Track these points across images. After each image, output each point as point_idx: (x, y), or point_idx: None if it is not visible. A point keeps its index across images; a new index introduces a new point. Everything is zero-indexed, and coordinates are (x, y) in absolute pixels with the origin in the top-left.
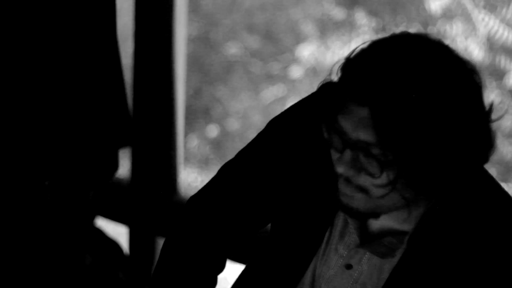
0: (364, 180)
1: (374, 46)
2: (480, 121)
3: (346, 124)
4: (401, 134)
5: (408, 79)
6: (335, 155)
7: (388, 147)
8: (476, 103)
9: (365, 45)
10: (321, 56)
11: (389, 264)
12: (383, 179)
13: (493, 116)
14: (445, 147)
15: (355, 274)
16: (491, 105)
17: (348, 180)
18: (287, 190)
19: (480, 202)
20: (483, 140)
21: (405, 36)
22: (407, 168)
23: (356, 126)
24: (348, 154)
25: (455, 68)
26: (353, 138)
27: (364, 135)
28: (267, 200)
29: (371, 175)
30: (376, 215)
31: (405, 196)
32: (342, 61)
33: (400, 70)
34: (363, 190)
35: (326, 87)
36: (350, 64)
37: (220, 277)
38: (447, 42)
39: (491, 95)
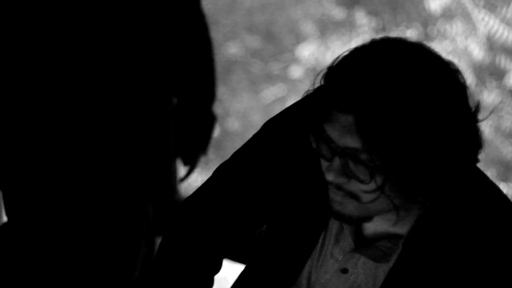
0: (354, 186)
1: (355, 53)
2: (466, 122)
3: (333, 132)
4: (387, 138)
5: (390, 84)
6: (324, 164)
7: (375, 152)
8: (461, 104)
9: (346, 53)
10: (321, 56)
11: (384, 268)
12: (372, 184)
13: (480, 116)
14: (432, 149)
15: (351, 278)
16: (478, 105)
17: (338, 187)
18: (281, 193)
19: (475, 204)
20: (470, 141)
21: (385, 41)
22: (395, 172)
23: (342, 134)
24: (337, 161)
25: (437, 70)
26: (340, 145)
27: (351, 141)
28: (261, 202)
29: (361, 181)
30: (368, 219)
31: (394, 200)
32: (325, 70)
33: (382, 75)
34: (353, 196)
35: (311, 97)
36: (332, 72)
37: (220, 276)
38: (446, 41)
39: (491, 95)
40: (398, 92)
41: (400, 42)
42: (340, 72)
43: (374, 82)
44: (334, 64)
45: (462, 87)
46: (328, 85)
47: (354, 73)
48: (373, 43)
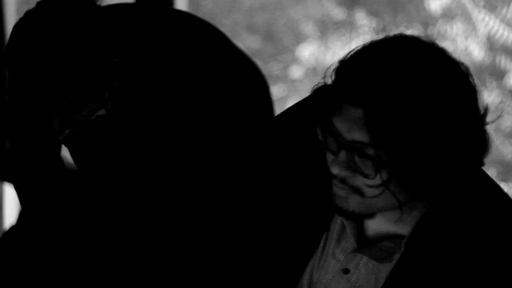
0: (358, 181)
1: (368, 48)
2: (474, 123)
3: (341, 125)
4: (395, 134)
5: (402, 80)
6: (330, 157)
7: (382, 147)
8: (470, 104)
9: (359, 48)
10: (321, 56)
11: (386, 268)
12: (377, 179)
13: (489, 118)
14: (438, 147)
15: (353, 279)
16: (486, 107)
17: (343, 181)
18: (284, 192)
19: (478, 205)
20: (477, 142)
21: (399, 38)
22: (400, 168)
23: (350, 127)
24: (343, 155)
25: (449, 69)
26: (348, 138)
27: (359, 135)
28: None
29: (366, 175)
30: (370, 216)
31: (398, 197)
32: (336, 64)
33: (394, 71)
34: (357, 191)
35: (321, 90)
36: (344, 66)
37: None
38: (446, 42)
39: (491, 95)
40: (409, 89)
41: (413, 40)
42: (352, 66)
43: (386, 77)
44: (346, 58)
45: (472, 88)
46: (339, 78)
47: (367, 67)
48: (386, 40)
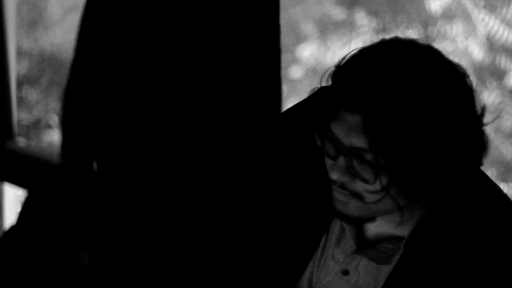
0: (358, 186)
1: (364, 53)
2: (472, 125)
3: (339, 131)
4: (393, 139)
5: (398, 85)
6: (328, 162)
7: (381, 153)
8: (468, 107)
9: (354, 52)
10: (321, 56)
11: (385, 270)
12: (377, 184)
13: (487, 118)
14: (437, 151)
15: (352, 280)
16: (483, 109)
17: (342, 187)
18: (284, 195)
19: (478, 206)
20: (476, 144)
21: (394, 41)
22: (400, 173)
23: (348, 133)
24: (341, 160)
25: (446, 72)
26: (346, 144)
27: (357, 141)
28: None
29: (365, 181)
30: (371, 219)
31: (398, 201)
32: (333, 69)
33: (390, 76)
34: (357, 196)
35: (318, 94)
36: (340, 71)
37: None
38: (446, 42)
39: (491, 95)
40: (406, 93)
41: (410, 43)
42: (348, 71)
43: (382, 82)
44: (342, 63)
45: (469, 90)
46: (336, 84)
47: (363, 73)
48: (383, 43)
